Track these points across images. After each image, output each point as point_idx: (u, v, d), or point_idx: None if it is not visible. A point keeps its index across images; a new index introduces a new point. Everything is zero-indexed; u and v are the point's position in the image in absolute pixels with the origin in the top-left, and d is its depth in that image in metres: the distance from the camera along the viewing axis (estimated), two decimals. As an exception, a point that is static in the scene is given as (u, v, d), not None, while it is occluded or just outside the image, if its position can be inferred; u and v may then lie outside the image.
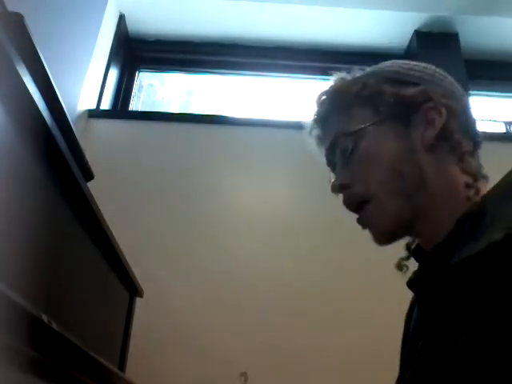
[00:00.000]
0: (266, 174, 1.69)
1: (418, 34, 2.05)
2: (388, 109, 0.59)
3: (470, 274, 0.46)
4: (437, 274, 0.53)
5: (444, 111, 0.58)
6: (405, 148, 0.58)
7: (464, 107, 0.61)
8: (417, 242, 0.65)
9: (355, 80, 0.64)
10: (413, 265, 0.65)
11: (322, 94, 0.66)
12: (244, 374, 1.29)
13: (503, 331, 0.41)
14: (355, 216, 0.65)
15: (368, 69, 0.65)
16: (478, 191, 0.54)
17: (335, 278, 1.46)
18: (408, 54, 2.10)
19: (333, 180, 0.65)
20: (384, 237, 0.62)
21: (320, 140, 0.68)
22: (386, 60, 0.67)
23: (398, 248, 0.69)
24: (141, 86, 2.17)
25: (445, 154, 0.58)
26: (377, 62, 0.67)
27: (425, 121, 0.58)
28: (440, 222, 0.56)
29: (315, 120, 0.68)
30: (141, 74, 2.17)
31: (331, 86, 0.66)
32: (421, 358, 0.54)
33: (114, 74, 1.97)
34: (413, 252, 0.64)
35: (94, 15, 1.81)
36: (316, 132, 0.68)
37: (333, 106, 0.65)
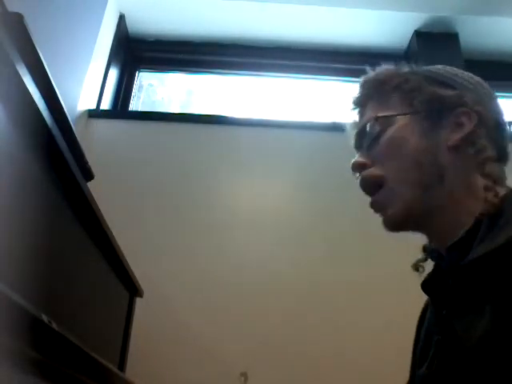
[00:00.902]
0: (266, 174, 1.68)
1: (418, 34, 2.05)
2: (422, 105, 0.63)
3: (488, 270, 0.48)
4: (451, 273, 0.55)
5: (475, 117, 0.60)
6: (428, 143, 0.61)
7: (496, 118, 0.63)
8: (432, 245, 0.66)
9: (399, 73, 0.67)
10: (428, 266, 0.65)
11: (366, 80, 0.69)
12: (244, 374, 1.29)
13: None
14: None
15: (414, 67, 0.68)
16: (497, 194, 0.55)
17: (335, 280, 1.46)
18: (408, 54, 2.10)
19: (353, 160, 0.67)
20: (393, 222, 0.63)
21: (355, 123, 0.71)
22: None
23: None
24: (141, 86, 2.17)
25: (468, 156, 0.60)
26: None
27: (454, 123, 0.61)
28: (456, 220, 0.58)
29: (355, 102, 0.71)
30: (141, 74, 2.17)
31: (376, 74, 0.69)
32: (436, 352, 0.55)
33: (113, 73, 1.97)
34: (430, 252, 0.65)
35: (93, 15, 1.80)
36: (354, 114, 0.71)
37: (373, 93, 0.68)
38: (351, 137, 0.70)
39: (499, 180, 0.58)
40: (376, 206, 0.64)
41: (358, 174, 0.66)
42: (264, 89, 2.16)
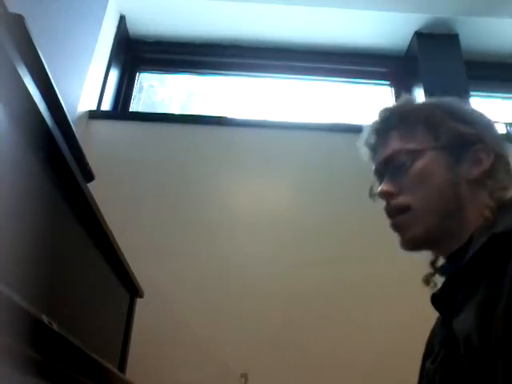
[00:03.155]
0: (266, 175, 1.68)
1: (419, 36, 2.05)
2: (447, 139, 0.68)
3: (476, 269, 0.54)
4: (450, 278, 0.62)
5: (492, 155, 0.66)
6: (452, 176, 0.67)
7: (507, 155, 0.69)
8: (441, 259, 0.71)
9: (424, 106, 0.73)
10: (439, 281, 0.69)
11: (387, 110, 0.74)
12: (244, 375, 1.29)
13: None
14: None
15: (433, 99, 0.74)
16: (493, 211, 0.61)
17: (335, 281, 1.46)
18: (408, 55, 2.10)
19: (380, 187, 0.71)
20: (412, 243, 0.68)
21: (374, 150, 0.75)
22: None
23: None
24: (141, 87, 2.17)
25: (486, 187, 0.65)
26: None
27: (473, 158, 0.67)
28: (462, 238, 0.63)
29: (376, 131, 0.74)
30: (141, 75, 2.18)
31: (400, 105, 0.74)
32: (439, 350, 0.60)
33: (114, 75, 1.97)
34: (440, 269, 0.70)
35: (94, 16, 1.81)
36: (372, 141, 0.75)
37: (398, 123, 0.71)
38: (366, 156, 0.75)
39: (499, 202, 0.63)
40: (397, 227, 0.69)
41: (383, 200, 0.71)
42: (264, 90, 2.17)
